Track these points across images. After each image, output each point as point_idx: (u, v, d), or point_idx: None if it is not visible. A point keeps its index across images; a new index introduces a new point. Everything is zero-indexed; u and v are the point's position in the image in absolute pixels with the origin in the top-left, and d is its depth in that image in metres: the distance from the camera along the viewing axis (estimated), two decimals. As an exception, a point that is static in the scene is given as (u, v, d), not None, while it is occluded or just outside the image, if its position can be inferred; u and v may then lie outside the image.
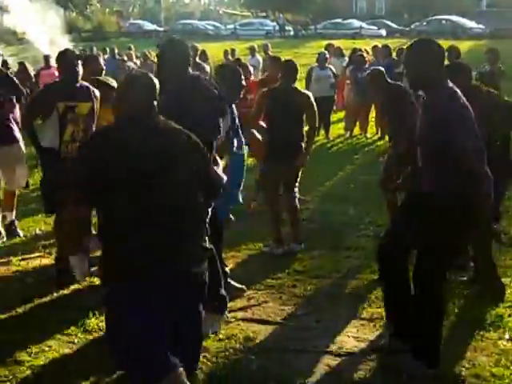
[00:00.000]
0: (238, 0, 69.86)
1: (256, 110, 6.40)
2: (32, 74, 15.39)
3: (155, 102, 3.34)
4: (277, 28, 45.12)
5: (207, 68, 11.32)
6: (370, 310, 4.91)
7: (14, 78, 7.21)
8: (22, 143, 6.95)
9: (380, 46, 14.21)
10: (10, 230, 6.97)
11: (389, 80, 7.08)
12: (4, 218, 7.03)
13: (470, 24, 38.09)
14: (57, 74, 16.26)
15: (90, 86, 5.67)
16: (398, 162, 5.97)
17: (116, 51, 18.80)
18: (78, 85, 5.54)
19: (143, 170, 3.11)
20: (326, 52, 13.65)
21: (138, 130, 3.24)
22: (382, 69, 7.25)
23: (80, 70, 5.54)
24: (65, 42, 17.82)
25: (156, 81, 3.38)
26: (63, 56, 5.63)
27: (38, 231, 7.21)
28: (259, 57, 16.01)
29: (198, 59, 10.10)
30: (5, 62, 9.67)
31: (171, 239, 3.16)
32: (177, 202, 3.21)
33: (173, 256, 3.16)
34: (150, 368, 3.08)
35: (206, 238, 3.42)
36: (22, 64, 14.71)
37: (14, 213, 7.07)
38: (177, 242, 3.18)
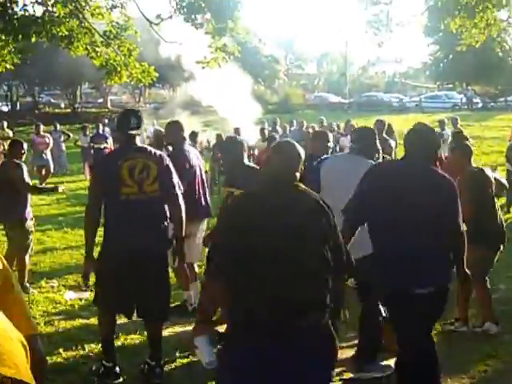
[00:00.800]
0: (424, 72, 69.39)
1: None
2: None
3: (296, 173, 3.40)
4: (464, 100, 44.11)
5: (392, 144, 11.21)
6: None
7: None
8: None
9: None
10: None
11: None
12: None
13: None
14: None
15: None
16: None
17: (305, 124, 19.41)
18: None
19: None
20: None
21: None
22: None
23: None
24: (252, 115, 18.72)
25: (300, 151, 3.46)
26: None
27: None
28: (448, 130, 15.65)
29: (384, 134, 9.95)
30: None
31: None
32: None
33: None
34: None
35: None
36: (219, 136, 15.74)
37: None
38: None
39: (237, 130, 16.46)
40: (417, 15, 10.98)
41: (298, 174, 3.39)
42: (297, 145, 3.52)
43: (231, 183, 5.91)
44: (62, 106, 53.49)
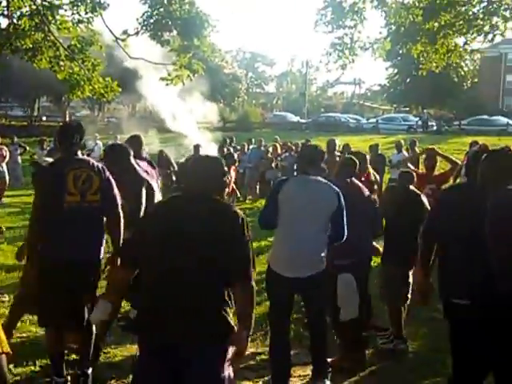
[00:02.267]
0: (381, 94, 70.61)
1: None
2: (172, 161, 16.53)
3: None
4: (419, 123, 44.95)
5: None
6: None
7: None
8: None
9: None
10: None
11: None
12: None
13: None
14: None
15: None
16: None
17: (263, 143, 19.53)
18: None
19: None
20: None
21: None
22: None
23: None
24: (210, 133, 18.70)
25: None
26: None
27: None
28: (405, 152, 15.90)
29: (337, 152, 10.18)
30: None
31: None
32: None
33: None
34: None
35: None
36: (161, 152, 15.82)
37: None
38: None
39: (196, 147, 16.52)
40: (380, 40, 11.16)
41: (216, 185, 3.72)
42: (216, 160, 3.93)
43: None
44: (19, 118, 52.67)
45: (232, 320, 3.57)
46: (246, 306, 3.58)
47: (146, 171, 6.53)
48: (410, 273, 6.09)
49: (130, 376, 5.15)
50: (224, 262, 3.51)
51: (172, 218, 3.63)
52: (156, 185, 6.75)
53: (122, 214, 5.19)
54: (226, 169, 3.88)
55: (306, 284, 5.05)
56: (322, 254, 5.12)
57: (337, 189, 5.20)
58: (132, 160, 6.16)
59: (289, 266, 5.04)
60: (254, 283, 3.61)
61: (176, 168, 17.19)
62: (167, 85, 11.93)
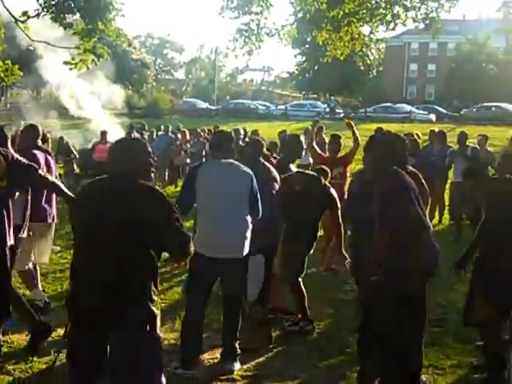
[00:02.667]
0: (290, 81, 71.40)
1: None
2: (72, 148, 16.21)
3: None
4: (327, 110, 45.79)
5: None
6: None
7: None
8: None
9: (437, 130, 14.06)
10: None
11: None
12: None
13: (521, 112, 38.05)
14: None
15: None
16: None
17: (170, 129, 19.34)
18: None
19: None
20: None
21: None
22: None
23: None
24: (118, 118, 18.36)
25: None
26: None
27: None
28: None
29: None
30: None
31: None
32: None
33: None
34: None
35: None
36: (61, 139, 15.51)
37: None
38: None
39: (103, 133, 16.23)
40: (287, 26, 11.24)
41: (140, 167, 3.73)
42: (140, 142, 4.00)
43: None
44: None
45: (154, 307, 3.59)
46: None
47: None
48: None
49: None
50: (155, 241, 3.57)
51: (96, 201, 3.64)
52: (54, 174, 6.67)
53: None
54: (150, 150, 3.88)
55: (226, 266, 5.11)
56: (244, 236, 5.19)
57: (249, 170, 5.30)
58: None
59: (210, 248, 5.07)
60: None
61: (77, 155, 16.84)
62: (71, 69, 11.58)
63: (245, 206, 5.21)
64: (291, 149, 7.23)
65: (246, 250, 5.23)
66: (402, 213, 4.22)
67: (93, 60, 11.45)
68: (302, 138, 8.11)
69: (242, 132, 11.82)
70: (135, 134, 17.26)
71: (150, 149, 3.87)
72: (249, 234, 5.24)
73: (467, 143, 11.85)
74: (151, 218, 3.54)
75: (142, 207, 3.55)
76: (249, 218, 5.25)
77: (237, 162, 5.39)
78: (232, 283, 5.32)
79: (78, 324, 3.66)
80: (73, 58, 11.47)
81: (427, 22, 11.22)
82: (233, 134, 5.94)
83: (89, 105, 15.92)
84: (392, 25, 11.39)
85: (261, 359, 5.59)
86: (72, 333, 3.73)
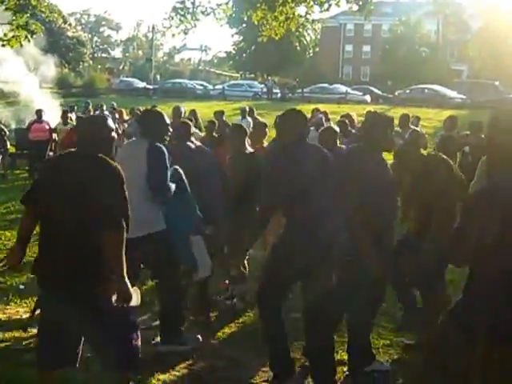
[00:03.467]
0: (227, 61, 71.24)
1: None
2: (2, 126, 15.96)
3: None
4: (264, 90, 45.96)
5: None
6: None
7: None
8: None
9: (372, 110, 14.23)
10: None
11: None
12: None
13: (452, 94, 38.98)
14: (47, 127, 16.53)
15: None
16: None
17: (104, 108, 19.19)
18: None
19: None
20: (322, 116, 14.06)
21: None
22: None
23: None
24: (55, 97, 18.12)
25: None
26: None
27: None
28: (249, 119, 16.26)
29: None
30: None
31: None
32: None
33: None
34: None
35: None
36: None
37: None
38: None
39: (39, 112, 16.01)
40: (222, 5, 11.29)
41: (102, 144, 3.89)
42: (104, 119, 4.10)
43: None
44: None
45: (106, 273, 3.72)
46: (112, 256, 3.70)
47: None
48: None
49: None
50: (96, 210, 3.66)
51: (58, 172, 3.84)
52: None
53: None
54: (113, 127, 4.03)
55: (140, 245, 4.83)
56: (148, 214, 5.04)
57: (149, 147, 5.11)
58: None
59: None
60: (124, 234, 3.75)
61: (7, 133, 16.51)
62: (3, 46, 11.40)
63: (144, 186, 5.00)
64: None
65: (155, 228, 5.08)
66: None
67: (26, 36, 11.30)
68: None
69: (182, 110, 11.78)
70: (71, 115, 17.08)
71: (111, 124, 4.02)
72: (152, 213, 5.07)
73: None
74: (100, 186, 3.70)
75: (94, 179, 3.73)
76: (147, 200, 5.02)
77: (145, 141, 5.19)
78: (148, 262, 5.27)
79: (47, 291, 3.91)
80: (5, 35, 11.30)
81: (360, 3, 11.44)
82: (170, 114, 5.93)
83: (23, 84, 15.67)
84: (326, 5, 11.57)
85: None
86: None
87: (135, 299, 3.81)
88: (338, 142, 7.22)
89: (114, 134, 4.01)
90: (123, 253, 3.69)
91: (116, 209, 3.73)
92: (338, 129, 7.94)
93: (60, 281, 3.71)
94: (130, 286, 3.69)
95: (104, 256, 3.66)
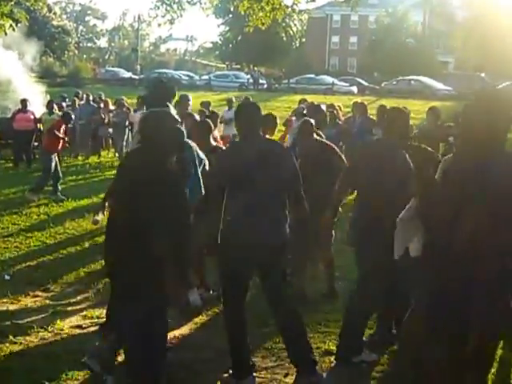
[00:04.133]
0: (213, 52, 71.01)
1: None
2: None
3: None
4: (251, 81, 45.88)
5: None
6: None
7: None
8: None
9: (359, 101, 14.23)
10: None
11: None
12: None
13: (438, 85, 39.09)
14: (32, 117, 16.42)
15: None
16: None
17: (91, 98, 19.02)
18: None
19: None
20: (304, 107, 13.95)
21: None
22: None
23: None
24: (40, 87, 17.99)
25: None
26: None
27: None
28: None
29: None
30: None
31: None
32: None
33: None
34: None
35: None
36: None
37: None
38: None
39: (23, 102, 15.88)
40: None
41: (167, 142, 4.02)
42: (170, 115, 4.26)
43: None
44: None
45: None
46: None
47: None
48: None
49: None
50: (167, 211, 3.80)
51: (131, 171, 4.01)
52: None
53: None
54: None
55: None
56: None
57: None
58: None
59: None
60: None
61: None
62: (-12, 34, 11.33)
63: None
64: None
65: None
66: None
67: (11, 25, 11.22)
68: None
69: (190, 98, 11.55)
70: (61, 104, 16.94)
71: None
72: None
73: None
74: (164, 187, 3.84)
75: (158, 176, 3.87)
76: None
77: None
78: None
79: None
80: (-10, 24, 11.21)
81: (347, -7, 11.46)
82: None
83: (8, 72, 15.51)
84: (312, -4, 11.59)
85: (176, 332, 5.55)
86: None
87: None
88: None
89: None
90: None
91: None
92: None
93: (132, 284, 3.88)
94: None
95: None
